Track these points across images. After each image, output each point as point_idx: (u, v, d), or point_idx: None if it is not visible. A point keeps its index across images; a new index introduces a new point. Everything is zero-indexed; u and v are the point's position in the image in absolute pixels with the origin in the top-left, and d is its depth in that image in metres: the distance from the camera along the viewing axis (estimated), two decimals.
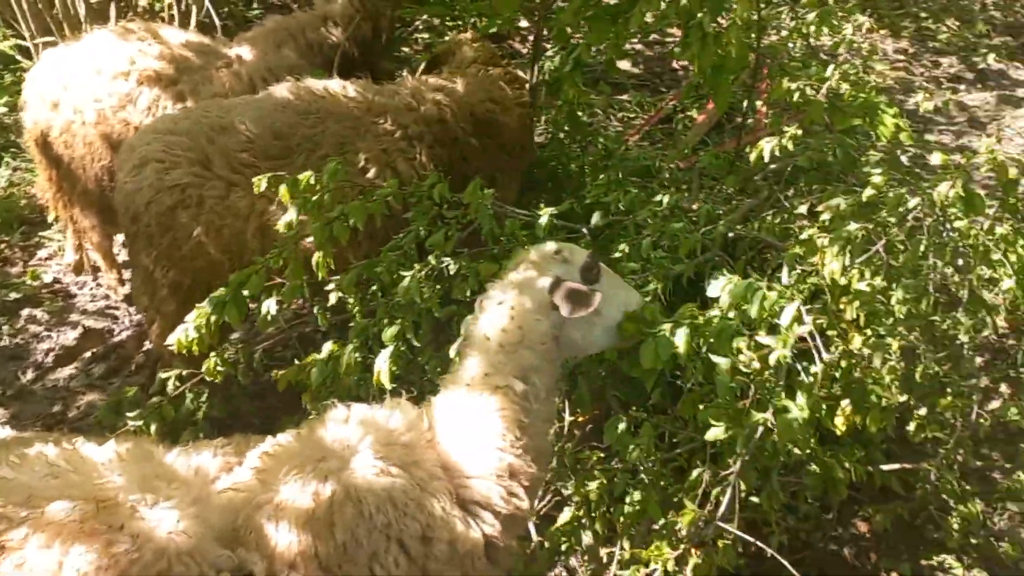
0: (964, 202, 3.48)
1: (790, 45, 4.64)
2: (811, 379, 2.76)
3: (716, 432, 2.52)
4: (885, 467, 3.30)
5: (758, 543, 2.75)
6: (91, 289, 5.15)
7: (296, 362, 3.17)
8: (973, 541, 3.44)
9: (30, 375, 4.52)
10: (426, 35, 7.25)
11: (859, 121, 3.74)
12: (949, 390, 3.45)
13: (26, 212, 5.68)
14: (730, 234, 3.56)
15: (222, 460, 2.15)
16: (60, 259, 5.33)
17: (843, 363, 2.92)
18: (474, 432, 2.21)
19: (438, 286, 3.06)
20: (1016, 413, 3.95)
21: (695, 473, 2.76)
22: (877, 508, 3.44)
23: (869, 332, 3.13)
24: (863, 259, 3.12)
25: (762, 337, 2.66)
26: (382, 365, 2.79)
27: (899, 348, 3.11)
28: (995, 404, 4.04)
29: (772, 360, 2.56)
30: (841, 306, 3.16)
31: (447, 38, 5.33)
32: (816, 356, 2.74)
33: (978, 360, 4.26)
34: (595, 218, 3.37)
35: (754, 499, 2.97)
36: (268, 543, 1.95)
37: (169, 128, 3.60)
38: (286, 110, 3.73)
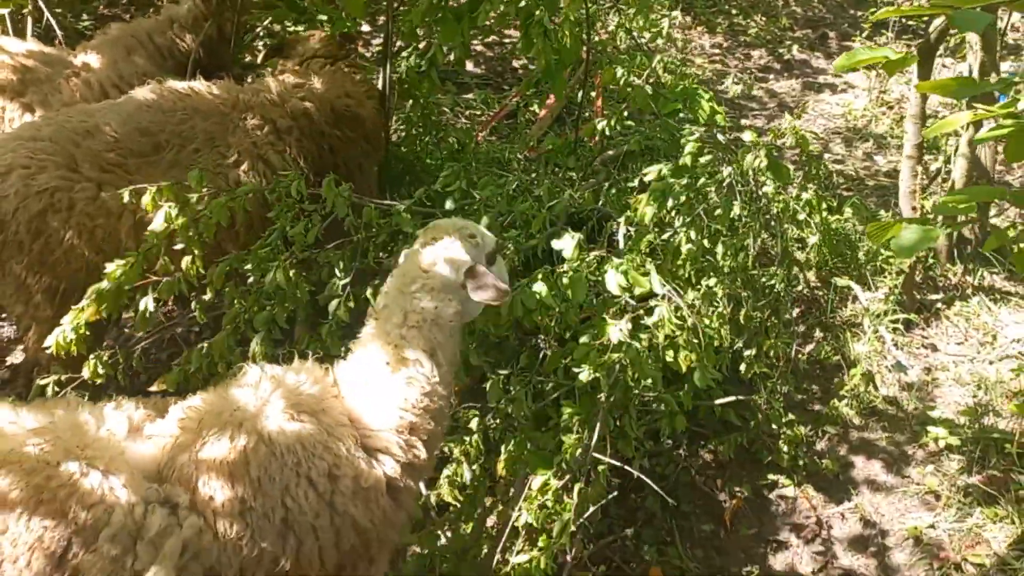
0: (772, 171, 4.04)
1: (617, 40, 5.10)
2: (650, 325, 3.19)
3: (585, 374, 2.89)
4: (721, 401, 3.78)
5: (627, 468, 3.12)
6: None
7: (172, 363, 3.33)
8: (801, 462, 3.97)
9: None
10: (270, 40, 7.35)
11: (679, 106, 4.23)
12: (772, 334, 4.00)
13: None
14: (572, 209, 3.95)
15: (144, 412, 2.33)
16: None
17: (675, 308, 3.35)
18: (379, 392, 2.45)
19: (304, 274, 3.29)
20: (829, 352, 4.59)
21: (567, 412, 3.11)
22: (720, 440, 3.94)
23: (702, 286, 3.62)
24: (686, 222, 3.59)
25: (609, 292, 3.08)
26: (255, 347, 3.01)
27: (724, 296, 3.60)
28: (811, 347, 4.65)
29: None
30: (673, 265, 3.65)
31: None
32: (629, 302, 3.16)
33: (796, 310, 4.88)
34: (448, 203, 3.68)
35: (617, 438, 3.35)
36: (191, 480, 2.16)
37: (32, 135, 3.62)
38: (151, 109, 3.83)
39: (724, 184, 3.82)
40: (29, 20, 5.82)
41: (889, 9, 2.57)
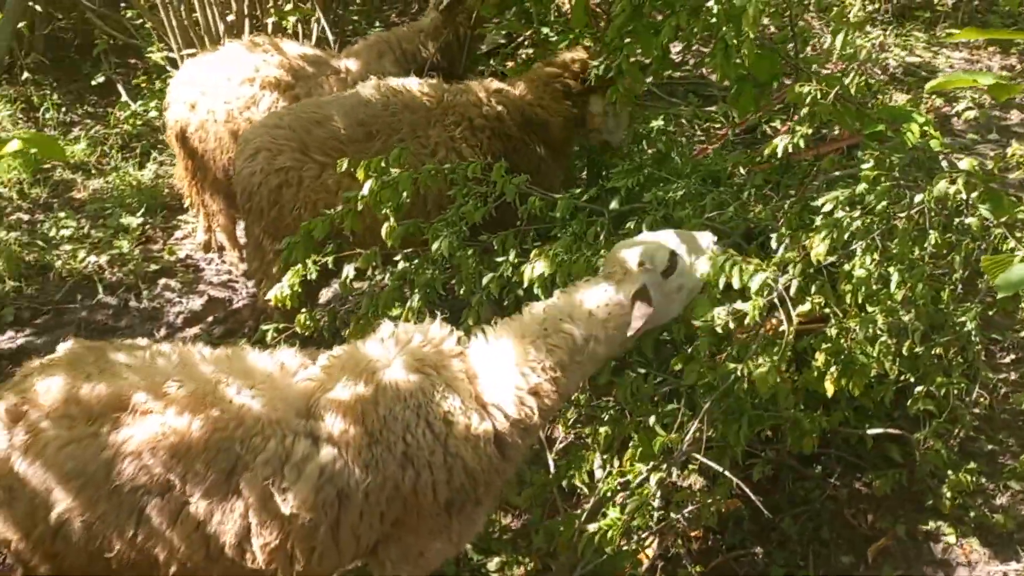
0: (991, 203, 3.77)
1: (833, 57, 4.95)
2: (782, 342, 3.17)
3: (691, 379, 2.99)
4: (873, 431, 3.62)
5: (725, 473, 3.16)
6: (216, 265, 6.00)
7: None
8: (971, 513, 3.69)
9: (163, 332, 5.37)
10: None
11: (880, 127, 4.06)
12: (953, 372, 3.74)
13: (167, 199, 6.62)
14: (751, 224, 3.96)
15: (300, 359, 2.84)
16: (192, 239, 6.22)
17: (833, 332, 3.30)
18: (511, 353, 2.75)
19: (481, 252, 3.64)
20: None
21: (670, 407, 3.21)
22: (877, 474, 3.77)
23: (871, 312, 3.50)
24: (862, 246, 3.48)
25: (739, 304, 3.10)
26: (411, 304, 3.41)
27: (887, 325, 3.44)
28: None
29: (747, 321, 3.00)
30: (843, 289, 3.55)
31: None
32: (786, 320, 3.13)
33: (1010, 357, 4.48)
34: (613, 203, 3.87)
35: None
36: (330, 414, 2.62)
37: (275, 123, 4.38)
38: (369, 104, 4.47)
39: (915, 211, 3.65)
40: (315, 25, 6.78)
41: None
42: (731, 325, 3.01)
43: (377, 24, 9.11)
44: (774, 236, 3.48)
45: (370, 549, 2.76)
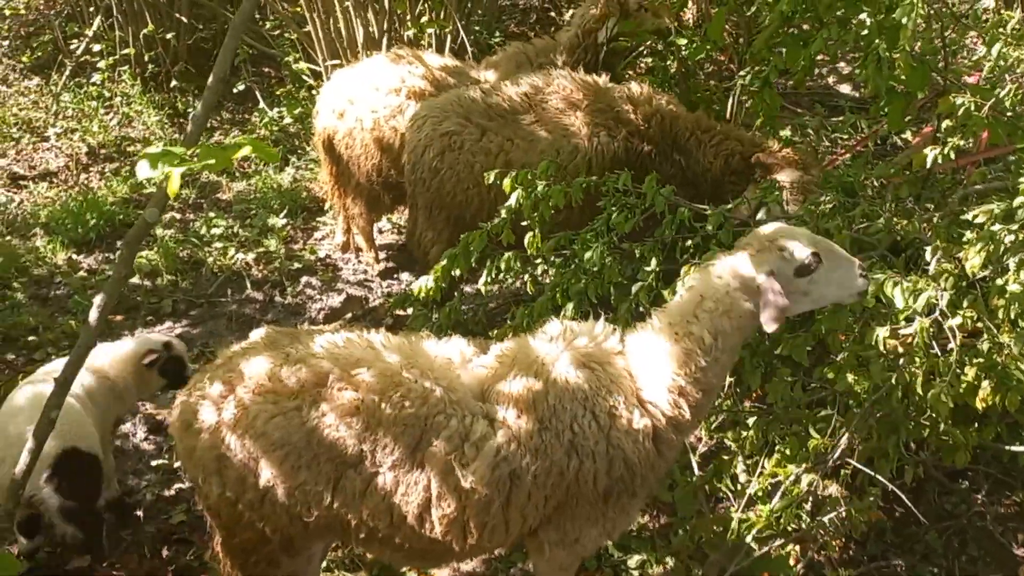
0: None
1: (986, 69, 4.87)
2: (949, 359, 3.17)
3: (846, 382, 3.03)
4: (1016, 448, 3.56)
5: (879, 477, 3.17)
6: (354, 265, 6.29)
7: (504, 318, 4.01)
8: None
9: (305, 327, 5.67)
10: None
11: None
12: None
13: (306, 202, 6.98)
14: (897, 236, 3.95)
15: (473, 348, 3.03)
16: (331, 239, 6.54)
17: (985, 347, 3.28)
18: (660, 355, 2.88)
19: (623, 260, 3.77)
20: None
21: (823, 412, 3.25)
22: None
23: (1021, 326, 3.46)
24: (1015, 261, 3.44)
25: (903, 328, 3.12)
26: (566, 314, 3.55)
27: None
28: None
29: (915, 341, 3.03)
30: (995, 304, 3.52)
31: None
32: (951, 338, 3.13)
33: None
34: (760, 214, 3.92)
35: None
36: (505, 399, 2.81)
37: (442, 98, 5.08)
38: (533, 84, 4.96)
39: None
40: (448, 38, 7.03)
41: None
42: (897, 347, 3.05)
43: (497, 34, 9.35)
44: (928, 249, 3.47)
45: (532, 530, 2.93)
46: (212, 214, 6.68)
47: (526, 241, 3.96)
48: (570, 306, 3.62)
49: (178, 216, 6.83)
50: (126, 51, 8.46)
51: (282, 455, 2.71)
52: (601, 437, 2.79)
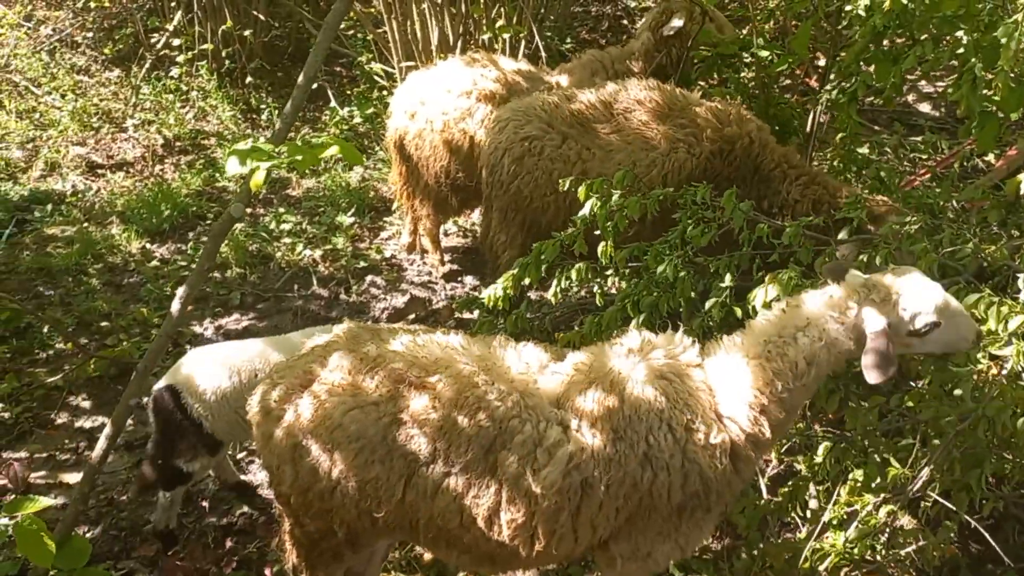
0: None
1: None
2: None
3: (928, 412, 2.92)
4: None
5: (954, 508, 3.04)
6: (418, 266, 6.31)
7: (572, 324, 3.97)
8: None
9: (385, 325, 5.70)
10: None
11: None
12: None
13: (373, 201, 7.03)
14: (985, 262, 3.80)
15: (549, 355, 3.00)
16: (397, 240, 6.57)
17: None
18: (744, 371, 2.82)
19: (694, 275, 3.69)
20: None
21: (904, 441, 3.14)
22: None
23: None
24: None
25: (996, 351, 3.00)
26: (635, 325, 3.49)
27: None
28: None
29: (1010, 366, 2.91)
30: None
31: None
32: None
33: None
34: (842, 233, 3.81)
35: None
36: (580, 408, 2.77)
37: (526, 102, 5.00)
38: (615, 92, 4.86)
39: None
40: (523, 42, 7.02)
41: None
42: (990, 372, 2.93)
43: (568, 40, 9.32)
44: (1021, 277, 3.34)
45: (602, 542, 2.88)
46: (282, 210, 6.78)
47: (599, 251, 3.91)
48: (641, 318, 3.56)
49: (249, 211, 6.93)
50: (204, 46, 8.64)
51: (357, 448, 2.73)
52: (676, 450, 2.74)
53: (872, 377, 2.68)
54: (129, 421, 4.71)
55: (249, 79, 8.82)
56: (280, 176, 7.46)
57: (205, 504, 4.21)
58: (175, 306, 2.81)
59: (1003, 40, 3.30)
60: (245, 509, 4.19)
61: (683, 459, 2.74)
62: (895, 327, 2.76)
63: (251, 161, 2.32)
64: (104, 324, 5.47)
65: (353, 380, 2.80)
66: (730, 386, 2.83)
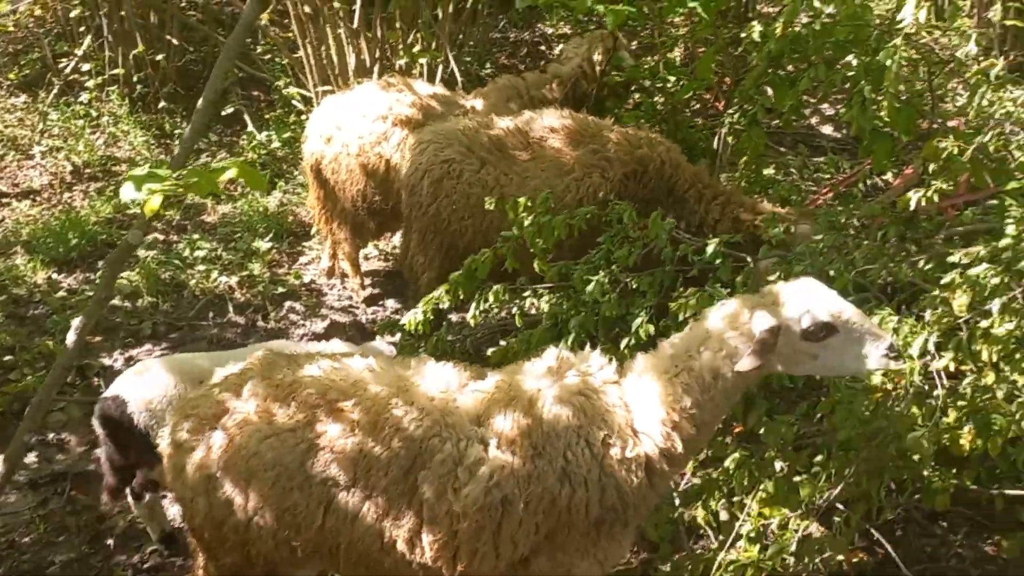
0: None
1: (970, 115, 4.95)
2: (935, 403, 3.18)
3: (844, 432, 3.03)
4: (1010, 491, 3.56)
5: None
6: (338, 290, 6.26)
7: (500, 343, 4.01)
8: None
9: (304, 349, 5.62)
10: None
11: (1019, 184, 4.04)
12: None
13: (292, 226, 6.96)
14: (888, 279, 3.97)
15: (468, 374, 3.01)
16: (316, 265, 6.51)
17: (969, 392, 3.30)
18: (656, 387, 2.86)
19: (618, 294, 3.76)
20: None
21: (818, 457, 3.25)
22: (1007, 535, 3.70)
23: (1006, 371, 3.48)
24: (1000, 304, 3.47)
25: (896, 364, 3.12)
26: (564, 345, 3.52)
27: None
28: None
29: (904, 382, 3.03)
30: (978, 347, 3.54)
31: None
32: (938, 382, 3.14)
33: None
34: (761, 251, 3.94)
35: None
36: (500, 426, 2.78)
37: (447, 125, 5.09)
38: (530, 119, 4.96)
39: None
40: (439, 68, 7.07)
41: None
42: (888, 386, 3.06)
43: (488, 65, 9.43)
44: (927, 296, 3.48)
45: (524, 560, 2.88)
46: (196, 236, 6.65)
47: (536, 266, 3.97)
48: (570, 337, 3.60)
49: (161, 237, 6.79)
50: (115, 71, 8.45)
51: (273, 476, 2.70)
52: (594, 465, 2.77)
53: (743, 364, 2.72)
54: (33, 458, 4.57)
55: (163, 104, 8.65)
56: (195, 202, 7.31)
57: (111, 543, 4.07)
58: (71, 337, 2.74)
59: (886, 62, 3.49)
60: (156, 546, 4.07)
61: (600, 474, 2.77)
62: (786, 330, 2.77)
63: (148, 186, 2.28)
64: (7, 358, 5.27)
65: (267, 408, 2.76)
66: (644, 403, 2.87)
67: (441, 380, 2.93)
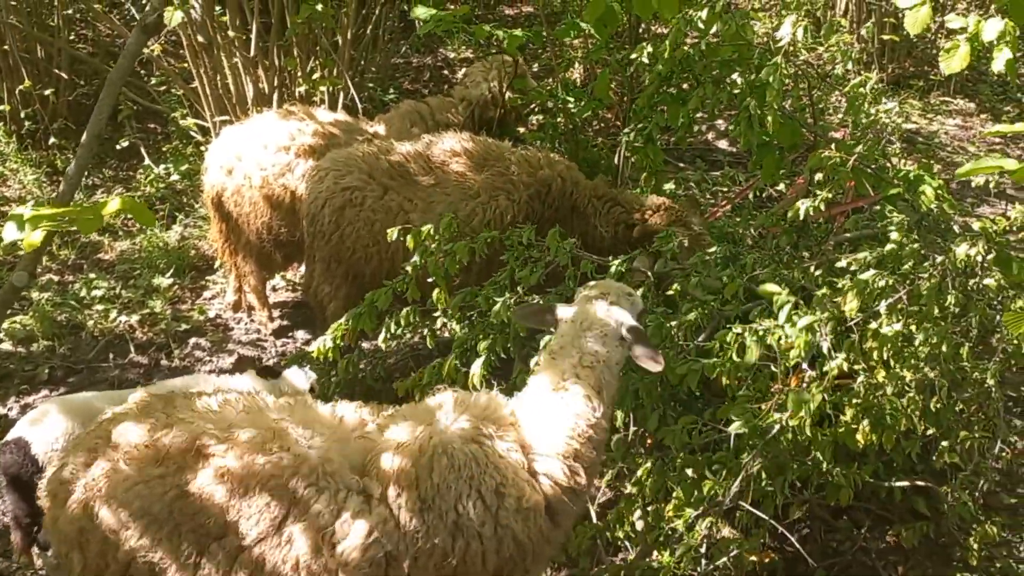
0: (1000, 266, 3.95)
1: (851, 125, 5.22)
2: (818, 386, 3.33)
3: (737, 425, 3.12)
4: (901, 483, 3.74)
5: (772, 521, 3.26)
6: (246, 324, 6.13)
7: (411, 375, 3.98)
8: (997, 564, 3.80)
9: (195, 388, 5.47)
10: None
11: (899, 190, 4.28)
12: (976, 427, 3.88)
13: (195, 260, 6.79)
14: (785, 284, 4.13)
15: (359, 416, 2.89)
16: (222, 299, 6.36)
17: (862, 390, 3.45)
18: (551, 421, 2.84)
19: None
20: None
21: (717, 455, 3.34)
22: (906, 526, 3.88)
23: (895, 368, 3.65)
24: (887, 305, 3.65)
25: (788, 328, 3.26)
26: (475, 370, 3.53)
27: (917, 383, 3.59)
28: None
29: (793, 354, 3.16)
30: (869, 347, 3.71)
31: None
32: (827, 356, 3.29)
33: None
34: (657, 265, 4.04)
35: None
36: (385, 476, 2.66)
37: (346, 153, 4.94)
38: (431, 144, 4.93)
39: (935, 272, 3.83)
40: (340, 94, 7.04)
41: None
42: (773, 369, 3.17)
43: (391, 91, 9.43)
44: (815, 295, 3.64)
45: None
46: (93, 275, 6.41)
47: (434, 297, 3.95)
48: (478, 364, 3.59)
49: (56, 278, 6.53)
50: (1, 107, 8.12)
51: (143, 526, 2.55)
52: (488, 517, 2.66)
53: (654, 367, 2.88)
54: None
55: (53, 140, 8.34)
56: (91, 240, 7.07)
57: None
58: None
59: (768, 79, 3.65)
60: None
61: (496, 526, 2.67)
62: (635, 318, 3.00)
63: (31, 226, 2.20)
64: None
65: (138, 453, 2.62)
66: (543, 439, 2.82)
67: (325, 423, 2.79)
